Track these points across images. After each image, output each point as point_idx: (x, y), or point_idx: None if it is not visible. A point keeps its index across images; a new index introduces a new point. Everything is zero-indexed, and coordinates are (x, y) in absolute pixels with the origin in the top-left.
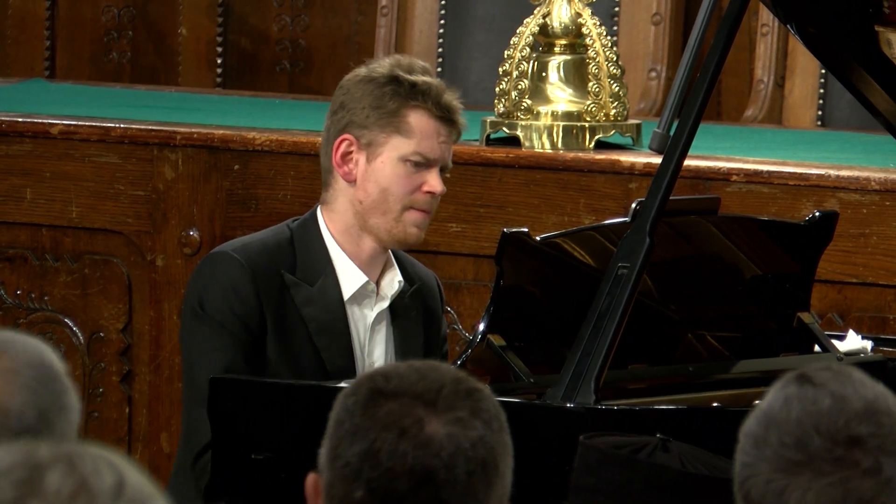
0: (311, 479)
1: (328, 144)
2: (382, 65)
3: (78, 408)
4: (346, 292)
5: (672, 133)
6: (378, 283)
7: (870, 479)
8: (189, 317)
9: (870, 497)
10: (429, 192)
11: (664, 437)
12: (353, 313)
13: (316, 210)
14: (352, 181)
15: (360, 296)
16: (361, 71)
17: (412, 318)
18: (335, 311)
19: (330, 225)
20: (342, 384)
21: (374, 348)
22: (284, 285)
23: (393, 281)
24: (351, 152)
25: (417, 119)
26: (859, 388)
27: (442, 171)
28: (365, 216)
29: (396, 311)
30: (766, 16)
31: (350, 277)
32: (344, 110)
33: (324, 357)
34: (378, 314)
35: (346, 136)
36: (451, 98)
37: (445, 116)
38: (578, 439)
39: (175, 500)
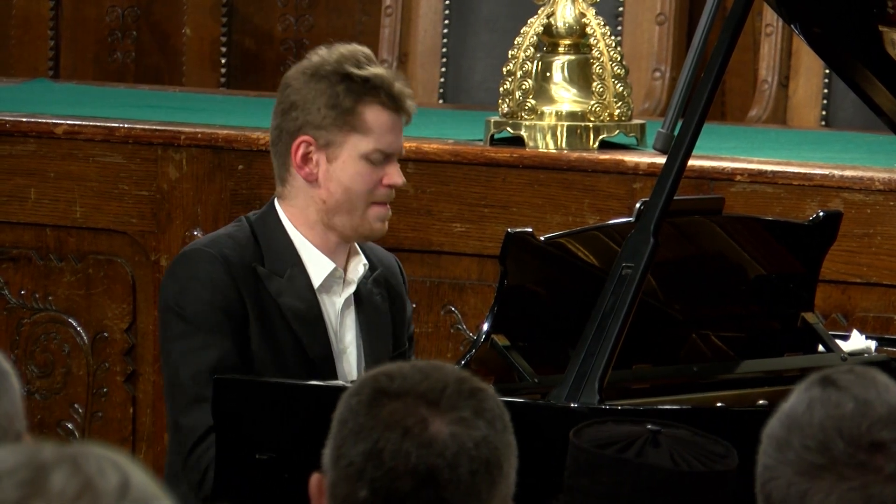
0: (314, 478)
1: (280, 143)
2: (328, 60)
3: (19, 388)
4: (316, 280)
5: (676, 133)
6: (345, 269)
7: (892, 484)
8: (169, 318)
9: (892, 503)
10: (389, 185)
11: (655, 429)
12: (323, 301)
13: (273, 203)
14: (313, 181)
15: (329, 283)
16: (306, 66)
17: (377, 302)
18: (308, 299)
19: (292, 218)
20: (345, 384)
21: (346, 334)
22: (258, 276)
23: (358, 265)
24: (310, 153)
25: (374, 115)
26: (883, 392)
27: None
28: (329, 214)
29: (361, 297)
30: (770, 16)
31: (318, 266)
32: (297, 110)
33: (304, 344)
34: (346, 300)
35: (303, 137)
36: (402, 86)
37: (399, 106)
38: (569, 435)
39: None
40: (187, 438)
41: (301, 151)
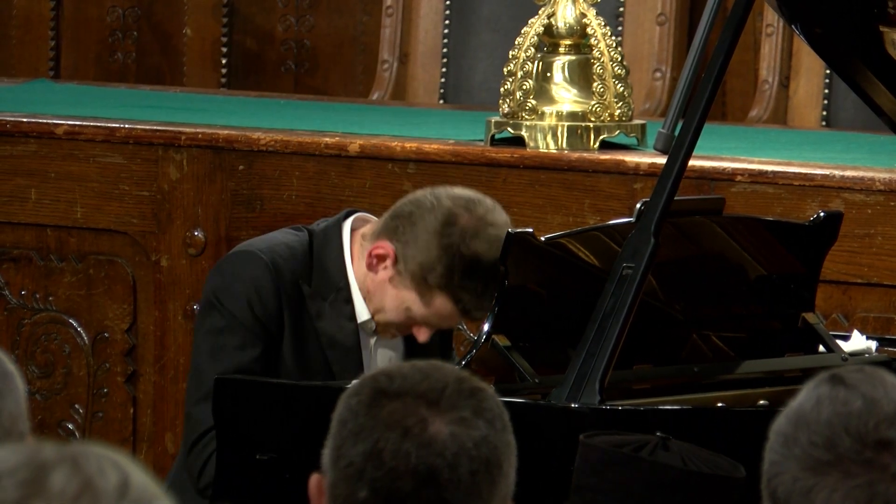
0: (314, 479)
1: (388, 223)
2: (460, 229)
3: (23, 389)
4: (360, 315)
5: (677, 133)
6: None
7: None
8: (206, 310)
9: None
10: (413, 334)
11: (664, 436)
12: (361, 332)
13: (343, 223)
14: (372, 272)
15: (365, 325)
16: (450, 213)
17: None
18: (346, 328)
19: (353, 248)
20: (346, 384)
21: (375, 364)
22: (301, 294)
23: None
24: (385, 259)
25: (444, 304)
26: (891, 391)
27: None
28: (365, 291)
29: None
30: (770, 16)
31: (361, 302)
32: (409, 228)
33: (335, 370)
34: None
35: (390, 249)
36: (487, 306)
37: (468, 317)
38: (579, 439)
39: (175, 493)
40: (194, 429)
41: (380, 252)
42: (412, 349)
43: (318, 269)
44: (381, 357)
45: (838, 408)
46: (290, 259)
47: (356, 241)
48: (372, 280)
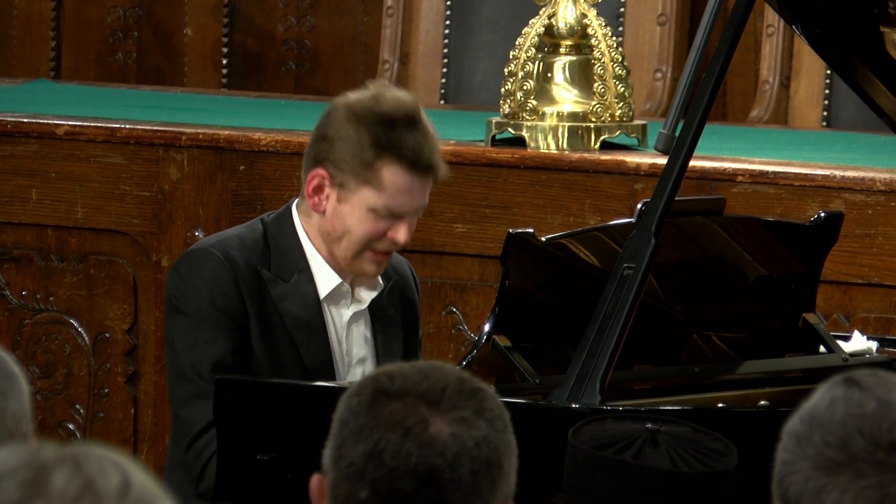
0: (315, 479)
1: (306, 163)
2: (364, 103)
3: (27, 390)
4: (322, 291)
5: (677, 134)
6: (352, 285)
7: None
8: (171, 313)
9: None
10: (391, 239)
11: (654, 428)
12: (329, 311)
13: (291, 207)
14: (320, 212)
15: (336, 295)
16: (353, 103)
17: (391, 316)
18: (311, 307)
19: (305, 226)
20: (347, 385)
21: (353, 346)
22: (261, 280)
23: (371, 286)
24: (323, 186)
25: (392, 174)
26: None
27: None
28: (329, 243)
29: (375, 311)
30: (771, 16)
31: (325, 277)
32: (326, 142)
33: (302, 352)
34: (354, 314)
35: (321, 171)
36: (429, 151)
37: (422, 172)
38: (568, 435)
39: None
40: (187, 432)
41: (315, 182)
42: (380, 327)
43: (276, 253)
44: (357, 333)
45: (853, 409)
46: (242, 249)
47: (302, 216)
48: (324, 220)
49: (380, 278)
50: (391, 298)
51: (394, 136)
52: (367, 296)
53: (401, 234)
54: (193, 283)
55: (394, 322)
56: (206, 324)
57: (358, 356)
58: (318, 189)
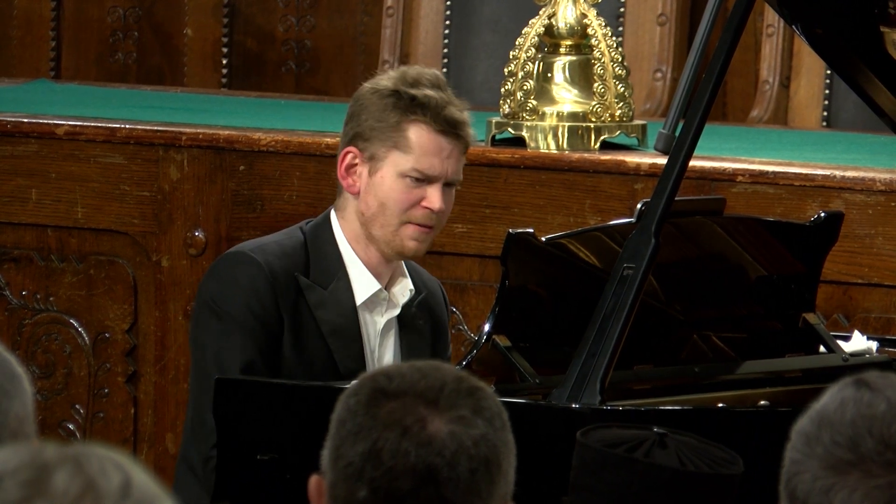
0: (313, 480)
1: (340, 148)
2: (389, 76)
3: (30, 391)
4: (359, 297)
5: (677, 134)
6: (389, 290)
7: None
8: (205, 315)
9: None
10: (427, 208)
11: (661, 432)
12: (364, 318)
13: (330, 213)
14: (355, 193)
15: (372, 302)
16: (375, 81)
17: (419, 327)
18: (347, 314)
19: (343, 230)
20: (346, 384)
21: (384, 354)
22: (298, 287)
23: (405, 289)
24: (355, 165)
25: (417, 134)
26: None
27: (450, 185)
28: (367, 227)
29: (405, 320)
30: (771, 16)
31: (363, 283)
32: (353, 121)
33: (336, 359)
34: (388, 321)
35: (350, 148)
36: (455, 111)
37: (448, 130)
38: (576, 436)
39: (180, 492)
40: (210, 437)
41: (346, 162)
42: (406, 335)
43: (315, 260)
44: (389, 342)
45: (863, 409)
46: (282, 257)
47: (339, 219)
48: (360, 202)
49: (411, 284)
50: (421, 311)
51: (418, 94)
52: (401, 297)
53: (434, 200)
54: (230, 287)
55: (422, 333)
56: (238, 329)
57: (389, 364)
58: (351, 168)
